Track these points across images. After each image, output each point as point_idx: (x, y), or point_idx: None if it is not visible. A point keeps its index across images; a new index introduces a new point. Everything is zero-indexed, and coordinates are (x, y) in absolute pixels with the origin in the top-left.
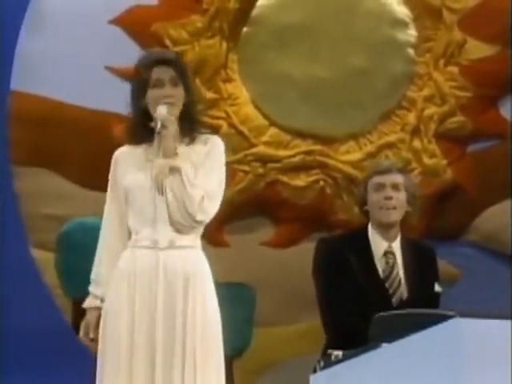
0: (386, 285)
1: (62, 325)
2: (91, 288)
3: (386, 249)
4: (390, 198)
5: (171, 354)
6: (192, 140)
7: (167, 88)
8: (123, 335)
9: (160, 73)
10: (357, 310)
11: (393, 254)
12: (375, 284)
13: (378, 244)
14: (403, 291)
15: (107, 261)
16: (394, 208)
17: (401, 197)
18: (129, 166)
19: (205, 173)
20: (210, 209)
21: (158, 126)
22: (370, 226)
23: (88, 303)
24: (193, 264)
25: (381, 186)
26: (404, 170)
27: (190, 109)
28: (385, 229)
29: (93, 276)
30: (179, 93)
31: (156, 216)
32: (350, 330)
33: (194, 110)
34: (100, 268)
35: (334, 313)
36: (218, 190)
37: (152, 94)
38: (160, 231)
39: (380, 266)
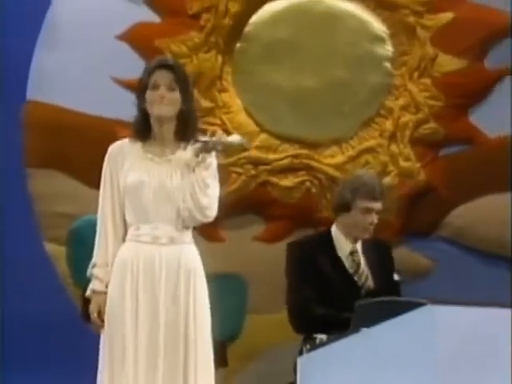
0: (355, 278)
1: (71, 311)
2: (98, 272)
3: (351, 249)
4: (372, 224)
5: (174, 344)
6: (187, 143)
7: (162, 90)
8: (128, 323)
9: (158, 75)
10: (325, 300)
11: (357, 252)
12: (345, 279)
13: (344, 245)
14: (370, 283)
15: (111, 247)
16: (371, 230)
17: (378, 218)
18: (129, 162)
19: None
20: (216, 209)
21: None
22: (335, 227)
23: (98, 287)
24: (192, 258)
25: (368, 211)
26: (385, 192)
27: (186, 115)
28: (354, 237)
29: (99, 261)
30: (175, 97)
31: (157, 214)
32: (311, 317)
33: (190, 116)
34: (105, 253)
35: (298, 301)
36: (218, 193)
37: (148, 94)
38: (160, 228)
39: (347, 263)
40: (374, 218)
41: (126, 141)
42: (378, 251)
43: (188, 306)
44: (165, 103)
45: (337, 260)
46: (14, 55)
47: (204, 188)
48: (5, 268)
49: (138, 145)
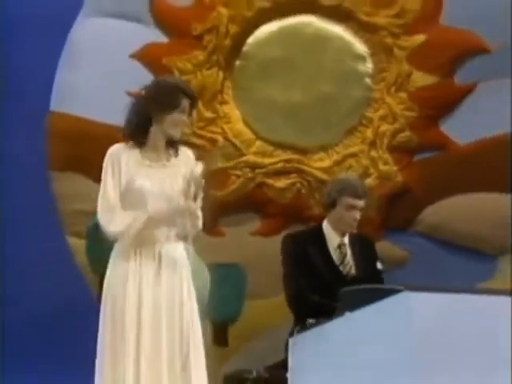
0: (341, 268)
1: (87, 296)
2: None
3: (339, 242)
4: (355, 221)
5: (174, 331)
6: (176, 151)
7: (186, 116)
8: (132, 309)
9: (186, 102)
10: (316, 289)
11: (344, 245)
12: (332, 269)
13: (333, 238)
14: (353, 272)
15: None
16: (355, 225)
17: (360, 215)
18: (129, 166)
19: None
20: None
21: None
22: (326, 222)
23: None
24: (184, 255)
25: (352, 208)
26: (367, 192)
27: None
28: (341, 231)
29: (124, 222)
30: (189, 122)
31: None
32: (308, 304)
33: None
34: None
35: (295, 290)
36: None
37: (175, 116)
38: (160, 228)
39: (335, 255)
40: (357, 215)
41: (123, 145)
42: (363, 244)
43: (182, 295)
44: (183, 127)
45: (326, 252)
46: (38, 72)
47: (196, 218)
48: (30, 259)
49: (136, 151)
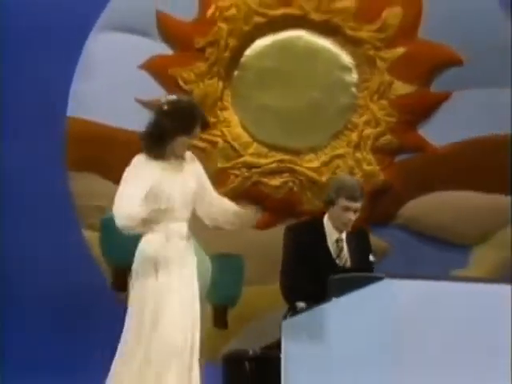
0: (337, 261)
1: (101, 282)
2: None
3: (337, 237)
4: (350, 221)
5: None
6: (183, 156)
7: (194, 140)
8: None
9: (198, 131)
10: (311, 278)
11: (342, 240)
12: (329, 261)
13: (332, 233)
14: (348, 264)
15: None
16: (350, 225)
17: (357, 216)
18: (159, 176)
19: (211, 190)
20: None
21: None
22: (326, 218)
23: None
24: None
25: (348, 209)
26: (363, 194)
27: None
28: (338, 228)
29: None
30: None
31: (181, 215)
32: (302, 296)
33: None
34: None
35: (292, 282)
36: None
37: (185, 140)
38: (181, 225)
39: (332, 249)
40: (352, 216)
41: (145, 155)
42: (359, 239)
43: (194, 285)
44: (188, 148)
45: (325, 245)
46: (55, 80)
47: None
48: (49, 250)
49: (156, 163)
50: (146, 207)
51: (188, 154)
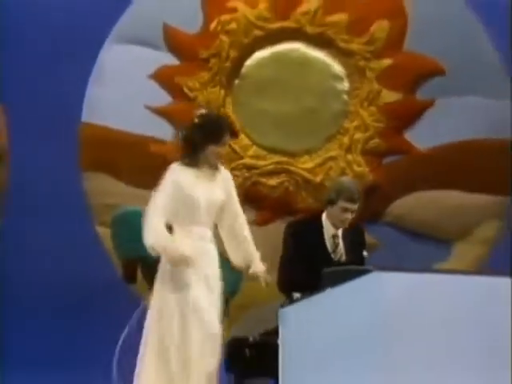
0: (333, 256)
1: (112, 273)
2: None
3: (334, 233)
4: (347, 220)
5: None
6: (217, 167)
7: (224, 149)
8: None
9: (227, 139)
10: (306, 271)
11: (338, 236)
12: (325, 255)
13: (329, 230)
14: (343, 259)
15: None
16: (347, 224)
17: (353, 216)
18: (186, 182)
19: (238, 203)
20: None
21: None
22: (325, 216)
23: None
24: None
25: (346, 210)
26: (360, 196)
27: None
28: (335, 226)
29: (168, 239)
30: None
31: (207, 220)
32: (297, 285)
33: None
34: (167, 235)
35: (291, 276)
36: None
37: (215, 149)
38: (205, 230)
39: (329, 244)
40: (349, 216)
41: (180, 164)
42: (355, 235)
43: (218, 283)
44: (220, 157)
45: (322, 241)
46: (71, 89)
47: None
48: (66, 244)
49: (190, 170)
50: (163, 238)
51: (222, 169)
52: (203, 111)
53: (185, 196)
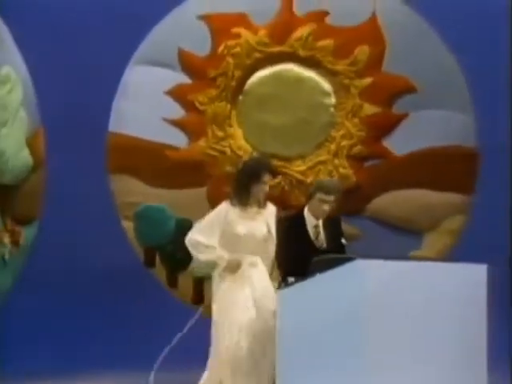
0: (315, 243)
1: (137, 263)
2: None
3: (315, 224)
4: (325, 211)
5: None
6: (264, 203)
7: (267, 186)
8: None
9: (267, 177)
10: (298, 257)
11: (319, 226)
12: (309, 243)
13: (310, 221)
14: (324, 246)
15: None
16: (325, 214)
17: (330, 207)
18: (234, 219)
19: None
20: None
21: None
22: (306, 209)
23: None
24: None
25: (323, 201)
26: (339, 190)
27: None
28: (316, 216)
29: (217, 253)
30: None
31: (253, 251)
32: (292, 269)
33: None
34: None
35: (293, 253)
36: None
37: (259, 187)
38: (248, 257)
39: (311, 233)
40: (326, 207)
41: (228, 203)
42: (333, 225)
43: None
44: (264, 194)
45: (305, 230)
46: (100, 103)
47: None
48: (93, 238)
49: (238, 208)
50: (211, 253)
51: (269, 205)
52: (246, 158)
53: (229, 232)
